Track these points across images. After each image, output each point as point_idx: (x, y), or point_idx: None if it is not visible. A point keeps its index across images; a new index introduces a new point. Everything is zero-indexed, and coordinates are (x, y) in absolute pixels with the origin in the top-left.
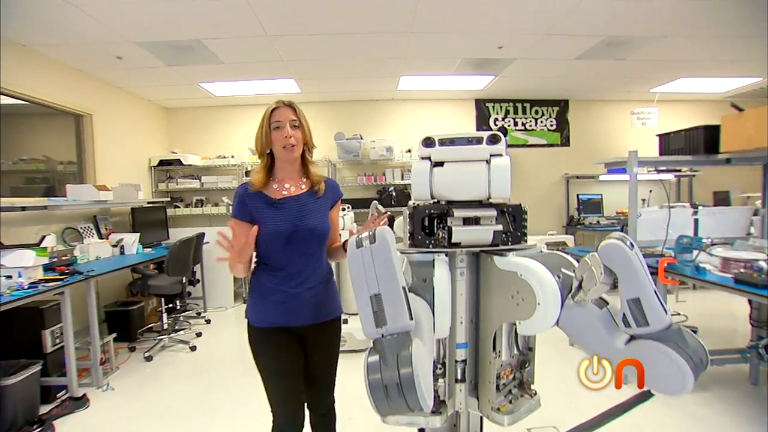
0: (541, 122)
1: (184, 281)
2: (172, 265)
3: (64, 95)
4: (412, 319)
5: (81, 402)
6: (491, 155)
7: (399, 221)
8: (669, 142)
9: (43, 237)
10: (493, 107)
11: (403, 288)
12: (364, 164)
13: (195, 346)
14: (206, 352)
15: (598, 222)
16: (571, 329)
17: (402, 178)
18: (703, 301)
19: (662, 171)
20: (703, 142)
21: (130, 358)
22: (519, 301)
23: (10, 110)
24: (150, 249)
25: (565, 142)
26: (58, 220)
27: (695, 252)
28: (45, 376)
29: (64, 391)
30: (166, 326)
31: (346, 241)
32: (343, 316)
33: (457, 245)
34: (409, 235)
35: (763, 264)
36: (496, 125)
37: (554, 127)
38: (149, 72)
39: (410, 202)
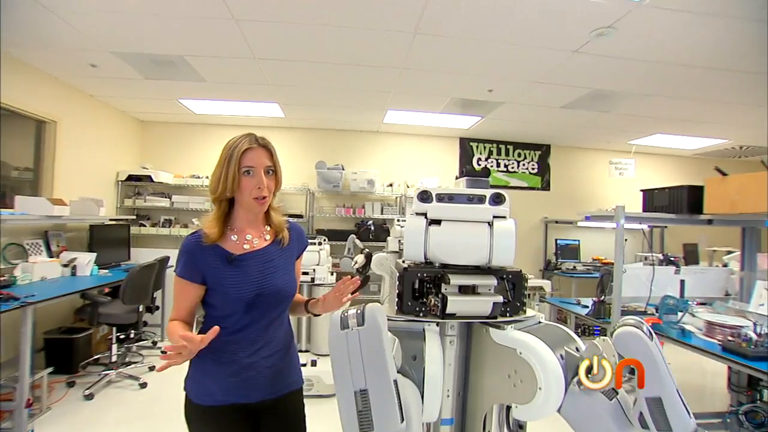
0: (523, 165)
1: (140, 309)
2: (129, 293)
3: (28, 99)
4: (403, 420)
5: None
6: (494, 217)
7: (378, 257)
8: (653, 198)
9: None
10: (477, 147)
11: (395, 381)
12: (344, 195)
13: (146, 383)
14: (158, 390)
15: (574, 268)
16: (575, 420)
17: (381, 212)
18: (675, 353)
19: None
20: (687, 201)
21: (66, 395)
22: (517, 381)
23: None
24: (107, 271)
25: (546, 186)
26: (3, 233)
27: (680, 314)
28: None
29: None
30: (114, 359)
31: (313, 299)
32: (311, 357)
33: (451, 316)
34: (397, 300)
35: (751, 334)
36: (479, 165)
37: (536, 170)
38: (125, 83)
39: (399, 261)
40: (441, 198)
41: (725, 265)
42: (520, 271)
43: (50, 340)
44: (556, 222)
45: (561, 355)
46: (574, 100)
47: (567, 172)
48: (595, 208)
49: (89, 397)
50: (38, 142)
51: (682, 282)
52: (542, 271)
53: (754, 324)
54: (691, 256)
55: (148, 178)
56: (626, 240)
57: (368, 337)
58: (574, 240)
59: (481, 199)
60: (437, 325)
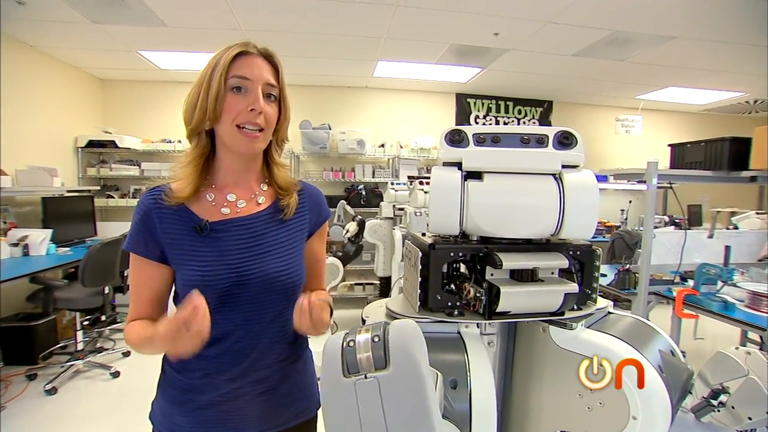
0: (524, 123)
1: (107, 291)
2: (90, 274)
3: None
4: None
5: None
6: (563, 166)
7: (372, 224)
8: (683, 154)
9: None
10: (475, 103)
11: None
12: (332, 158)
13: (118, 372)
14: (133, 379)
15: None
16: None
17: (373, 176)
18: (713, 325)
19: (642, 181)
20: (728, 156)
21: (26, 389)
22: (594, 404)
23: None
24: (67, 249)
25: None
26: None
27: (719, 284)
28: None
29: None
30: (81, 346)
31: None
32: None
33: (504, 314)
34: (420, 291)
35: None
36: (476, 122)
37: None
38: (70, 29)
39: (415, 234)
40: (481, 139)
41: (735, 227)
42: (591, 245)
43: (5, 329)
44: None
45: (659, 366)
46: (588, 45)
47: None
48: (598, 168)
49: (52, 391)
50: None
51: (728, 248)
52: None
53: None
54: (694, 217)
55: (112, 143)
56: (630, 202)
57: (400, 390)
58: None
59: (541, 140)
60: (478, 325)
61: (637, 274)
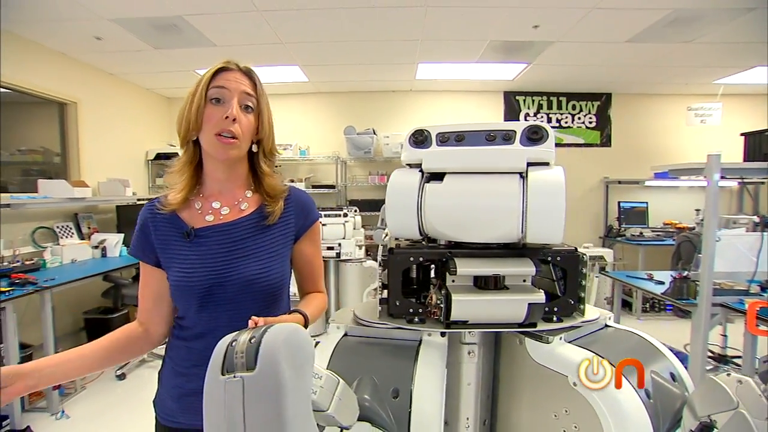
0: (579, 119)
1: None
2: None
3: (46, 81)
4: None
5: None
6: (530, 164)
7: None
8: (760, 144)
9: None
10: (524, 101)
11: None
12: (377, 162)
13: None
14: None
15: (641, 234)
16: None
17: None
18: None
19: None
20: None
21: (102, 374)
22: (569, 426)
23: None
24: None
25: (606, 141)
26: (34, 218)
27: None
28: None
29: (8, 421)
30: None
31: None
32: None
33: (462, 324)
34: (380, 296)
35: None
36: (526, 121)
37: (594, 124)
38: (137, 56)
39: (384, 238)
40: (445, 139)
41: None
42: (575, 249)
43: (89, 319)
44: (619, 182)
45: (647, 391)
46: (643, 29)
47: (632, 124)
48: (665, 164)
49: (121, 377)
50: (62, 125)
51: None
52: (602, 238)
53: None
54: None
55: (176, 155)
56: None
57: (259, 393)
58: (641, 202)
59: (508, 137)
60: (443, 334)
61: (697, 283)
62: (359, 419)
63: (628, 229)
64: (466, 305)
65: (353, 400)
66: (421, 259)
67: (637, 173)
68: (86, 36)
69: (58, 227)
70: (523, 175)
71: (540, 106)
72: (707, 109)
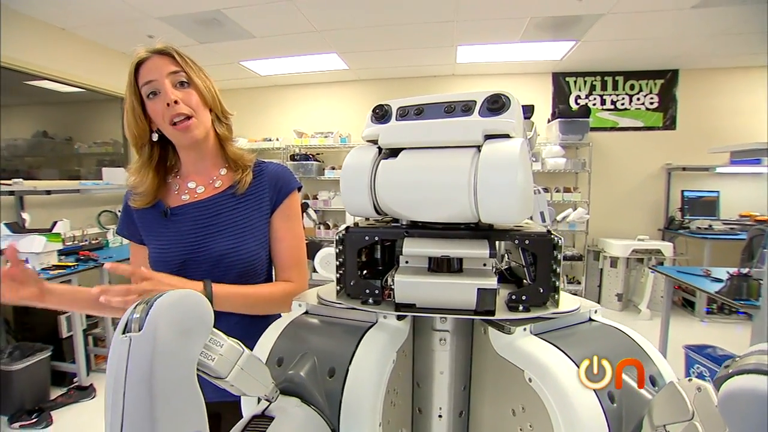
0: (638, 99)
1: None
2: None
3: (111, 79)
4: None
5: (87, 392)
6: (487, 137)
7: None
8: None
9: (55, 222)
10: (575, 82)
11: None
12: None
13: None
14: None
15: (710, 226)
16: None
17: None
18: None
19: None
20: None
21: None
22: (525, 425)
23: (77, 97)
24: None
25: (670, 123)
26: (100, 202)
27: None
28: (61, 361)
29: (77, 378)
30: None
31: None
32: None
33: (409, 308)
34: (337, 275)
35: None
36: (577, 103)
37: (655, 105)
38: (187, 52)
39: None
40: (404, 112)
41: None
42: (548, 231)
43: None
44: (684, 169)
45: (609, 393)
46: None
47: (702, 104)
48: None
49: None
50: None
51: None
52: (662, 230)
53: None
54: None
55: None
56: None
57: (138, 354)
58: (711, 192)
59: (467, 107)
60: (399, 318)
61: (760, 281)
62: (289, 394)
63: (694, 221)
64: (409, 287)
65: (262, 371)
66: (376, 238)
67: (706, 158)
68: (140, 35)
69: (119, 211)
70: (479, 148)
71: (593, 87)
72: None
